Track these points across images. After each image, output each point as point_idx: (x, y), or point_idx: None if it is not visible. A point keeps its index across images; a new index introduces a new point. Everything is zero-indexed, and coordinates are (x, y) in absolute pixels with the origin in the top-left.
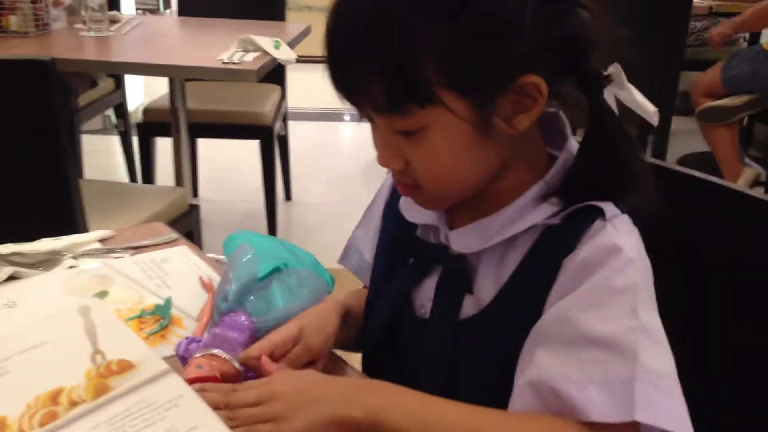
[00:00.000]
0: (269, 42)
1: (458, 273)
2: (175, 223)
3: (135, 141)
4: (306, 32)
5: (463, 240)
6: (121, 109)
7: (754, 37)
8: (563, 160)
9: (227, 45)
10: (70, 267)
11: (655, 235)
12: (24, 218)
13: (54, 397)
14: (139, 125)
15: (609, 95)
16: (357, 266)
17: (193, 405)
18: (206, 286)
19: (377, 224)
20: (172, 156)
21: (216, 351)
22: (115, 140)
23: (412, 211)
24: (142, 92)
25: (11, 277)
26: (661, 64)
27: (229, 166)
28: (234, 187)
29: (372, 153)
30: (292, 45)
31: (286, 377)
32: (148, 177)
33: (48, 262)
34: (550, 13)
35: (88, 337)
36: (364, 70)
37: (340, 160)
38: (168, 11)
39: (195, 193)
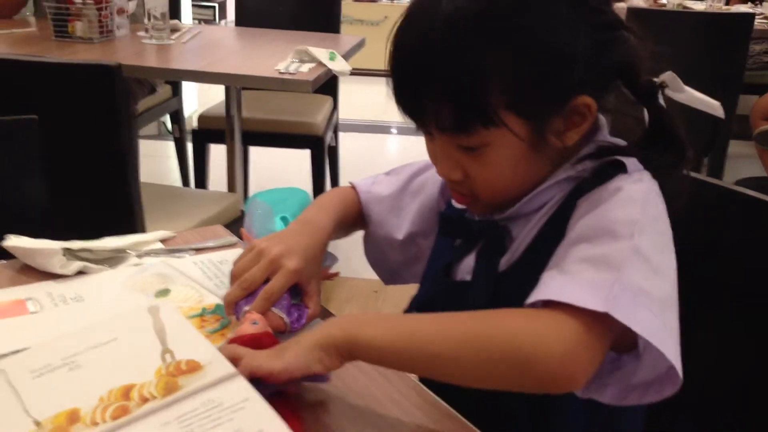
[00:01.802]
0: (325, 53)
1: (498, 236)
2: (227, 227)
3: (189, 147)
4: (360, 45)
5: (505, 214)
6: (177, 116)
7: None
8: (597, 141)
9: (283, 55)
10: (135, 265)
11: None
12: (86, 219)
13: (126, 392)
14: (194, 131)
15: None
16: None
17: (260, 408)
18: (246, 237)
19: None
20: (224, 163)
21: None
22: (169, 146)
23: None
24: (196, 100)
25: (80, 273)
26: (719, 87)
27: (278, 175)
28: None
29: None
30: (346, 57)
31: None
32: (201, 182)
33: (113, 259)
34: (601, 42)
35: (158, 336)
36: (433, 92)
37: (385, 170)
38: (223, 22)
39: (246, 201)
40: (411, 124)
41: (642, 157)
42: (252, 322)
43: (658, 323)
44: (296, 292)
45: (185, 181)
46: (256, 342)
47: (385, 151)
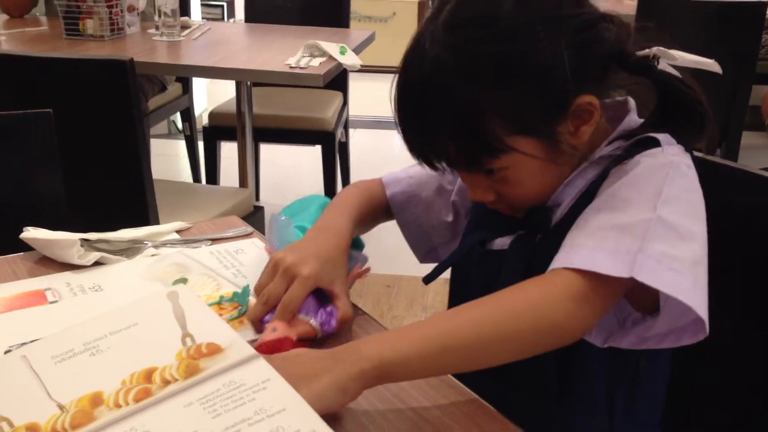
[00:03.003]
0: (335, 47)
1: (543, 221)
2: None
3: (200, 145)
4: (370, 39)
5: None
6: (187, 114)
7: None
8: (626, 123)
9: (294, 50)
10: (152, 255)
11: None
12: (100, 212)
13: (148, 375)
14: (205, 129)
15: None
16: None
17: (281, 388)
18: (269, 253)
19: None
20: (235, 160)
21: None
22: (178, 144)
23: None
24: (205, 98)
25: (97, 263)
26: (731, 77)
27: (288, 171)
28: (293, 191)
29: None
30: (356, 51)
31: (280, 362)
32: (213, 180)
33: (130, 250)
34: (583, 42)
35: (178, 321)
36: (434, 138)
37: (396, 167)
38: (232, 20)
39: (257, 197)
40: None
41: (668, 129)
42: (272, 330)
43: (685, 282)
44: (324, 296)
45: (196, 179)
46: (275, 348)
47: (395, 147)
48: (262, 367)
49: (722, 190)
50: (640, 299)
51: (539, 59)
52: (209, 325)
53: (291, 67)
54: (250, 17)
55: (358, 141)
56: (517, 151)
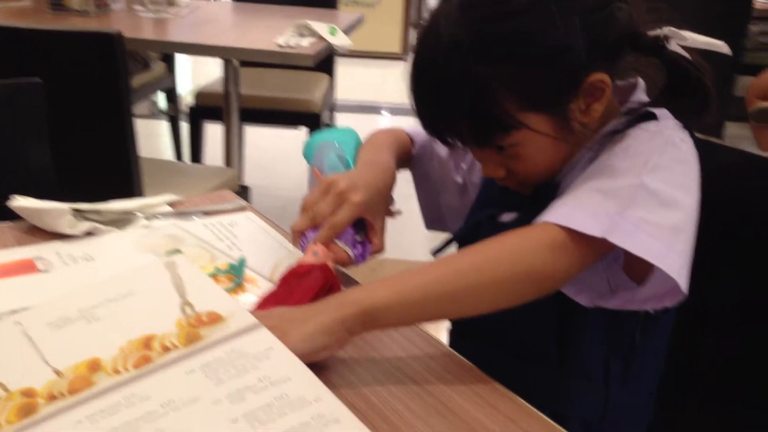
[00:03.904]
0: (325, 28)
1: (551, 196)
2: None
3: (183, 126)
4: (359, 21)
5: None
6: (171, 94)
7: None
8: (633, 101)
9: (283, 30)
10: (143, 227)
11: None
12: (86, 187)
13: (146, 342)
14: (190, 108)
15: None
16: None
17: (284, 357)
18: (318, 176)
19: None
20: (219, 141)
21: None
22: (161, 125)
23: None
24: (190, 78)
25: (87, 234)
26: (718, 67)
27: (272, 154)
28: (278, 174)
29: None
30: (345, 33)
31: (264, 314)
32: (197, 160)
33: (122, 221)
34: (596, 21)
35: (176, 290)
36: (448, 115)
37: None
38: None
39: (240, 178)
40: (404, 105)
41: (671, 107)
42: (313, 253)
43: (659, 246)
44: (362, 227)
45: (179, 159)
46: (309, 272)
47: None
48: (264, 335)
49: (721, 172)
50: (635, 269)
51: (552, 37)
52: (209, 294)
53: (280, 47)
54: None
55: (343, 125)
56: (528, 128)
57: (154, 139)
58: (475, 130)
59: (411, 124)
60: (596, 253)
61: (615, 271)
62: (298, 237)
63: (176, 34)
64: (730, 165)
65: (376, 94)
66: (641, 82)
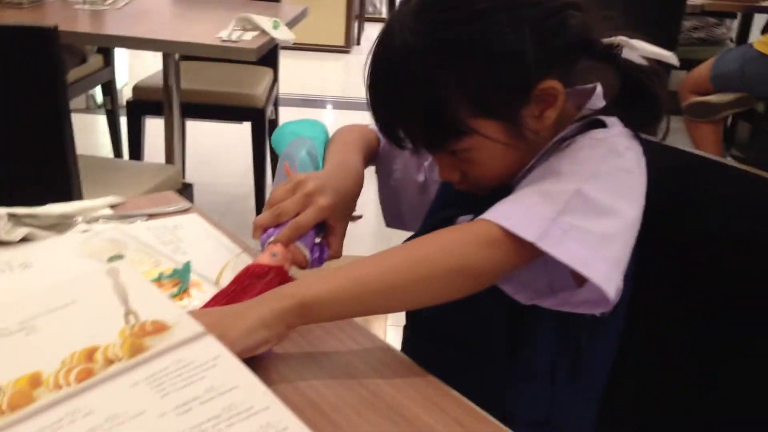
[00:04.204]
0: (268, 22)
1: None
2: None
3: (122, 120)
4: (303, 14)
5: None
6: (109, 87)
7: (743, 38)
8: (588, 107)
9: (225, 23)
10: (84, 231)
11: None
12: (22, 189)
13: (89, 354)
14: (128, 103)
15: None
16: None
17: (232, 366)
18: (288, 172)
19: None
20: (159, 136)
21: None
22: (98, 119)
23: None
24: (127, 71)
25: (24, 239)
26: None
27: (213, 149)
28: (220, 169)
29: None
30: (289, 27)
31: (204, 312)
32: (137, 156)
33: (60, 225)
34: (548, 28)
35: (119, 298)
36: (403, 120)
37: None
38: None
39: (182, 175)
40: (348, 99)
41: (622, 116)
42: (272, 254)
43: (586, 253)
44: (321, 230)
45: (118, 155)
46: (265, 272)
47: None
48: (210, 344)
49: (671, 174)
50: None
51: (502, 44)
52: (153, 302)
53: (223, 41)
54: None
55: (286, 119)
56: (479, 134)
57: (90, 134)
58: (427, 134)
59: (355, 119)
60: (530, 253)
61: (560, 271)
62: (260, 231)
63: (115, 27)
64: (681, 167)
65: (320, 88)
66: (599, 88)
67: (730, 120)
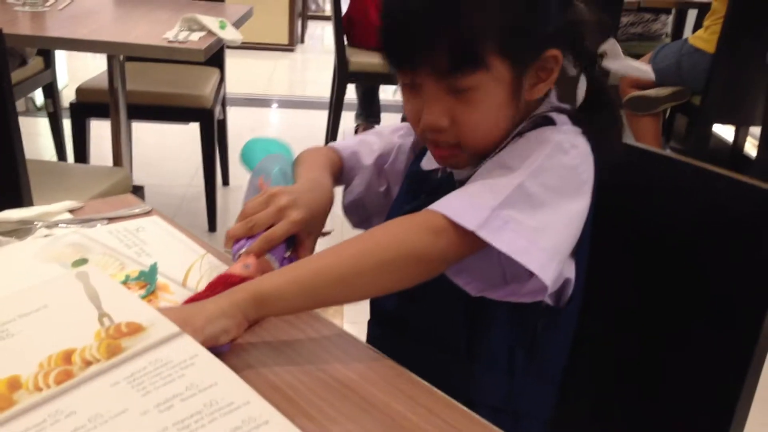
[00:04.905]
0: (214, 22)
1: (452, 187)
2: None
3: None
4: (248, 15)
5: (462, 172)
6: (50, 89)
7: (678, 33)
8: (546, 105)
9: (170, 24)
10: (45, 236)
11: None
12: None
13: (67, 356)
14: (72, 105)
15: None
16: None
17: (210, 363)
18: (262, 186)
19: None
20: (103, 138)
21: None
22: (38, 122)
23: (428, 162)
24: (66, 72)
25: None
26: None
27: (160, 150)
28: (167, 170)
29: (297, 137)
30: (235, 27)
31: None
32: (82, 159)
33: (20, 230)
34: (568, 2)
35: (92, 301)
36: (432, 39)
37: None
38: None
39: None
40: (294, 98)
41: (583, 118)
42: (244, 266)
43: (523, 243)
44: (291, 243)
45: (62, 159)
46: (235, 283)
47: (271, 126)
48: (187, 343)
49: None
50: None
51: None
52: (126, 304)
53: (169, 42)
54: None
55: (233, 119)
56: (490, 73)
57: (32, 137)
58: (449, 55)
59: (301, 117)
60: (473, 242)
61: (512, 262)
62: (232, 242)
63: (57, 28)
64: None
65: (266, 87)
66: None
67: (668, 113)
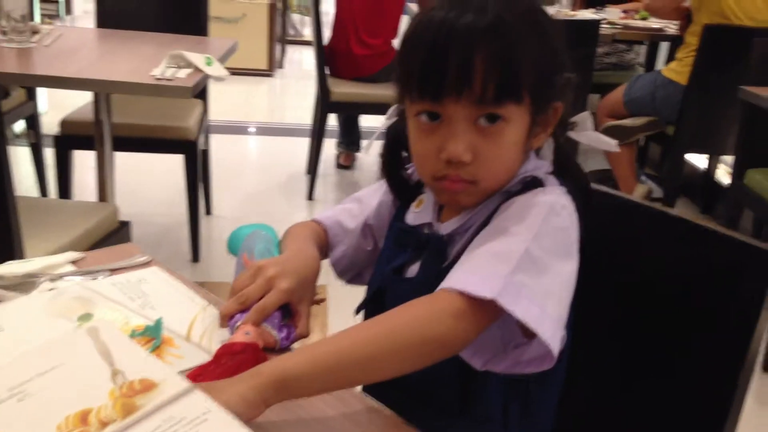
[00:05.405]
0: (201, 58)
1: (442, 245)
2: (106, 239)
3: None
4: (233, 49)
5: (448, 226)
6: (32, 120)
7: (651, 64)
8: (531, 166)
9: (156, 60)
10: (49, 290)
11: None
12: None
13: (83, 417)
14: (56, 138)
15: None
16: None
17: (222, 418)
18: (247, 262)
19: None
20: (86, 170)
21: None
22: (17, 151)
23: (414, 217)
24: (46, 101)
25: None
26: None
27: (143, 179)
28: (150, 200)
29: (278, 165)
30: (221, 62)
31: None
32: (65, 192)
33: (25, 284)
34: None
35: (103, 358)
36: (483, 68)
37: (251, 172)
38: (69, 18)
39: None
40: (273, 124)
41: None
42: (245, 333)
43: (537, 311)
44: (287, 312)
45: (43, 191)
46: (240, 350)
47: (251, 153)
48: (199, 399)
49: (605, 216)
50: (523, 329)
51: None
52: (138, 359)
53: (157, 79)
54: (102, 21)
55: (215, 146)
56: (521, 108)
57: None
58: (498, 81)
59: (281, 144)
60: (492, 314)
61: (511, 329)
62: (227, 319)
63: (44, 66)
64: (613, 210)
65: (246, 114)
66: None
67: (643, 141)
